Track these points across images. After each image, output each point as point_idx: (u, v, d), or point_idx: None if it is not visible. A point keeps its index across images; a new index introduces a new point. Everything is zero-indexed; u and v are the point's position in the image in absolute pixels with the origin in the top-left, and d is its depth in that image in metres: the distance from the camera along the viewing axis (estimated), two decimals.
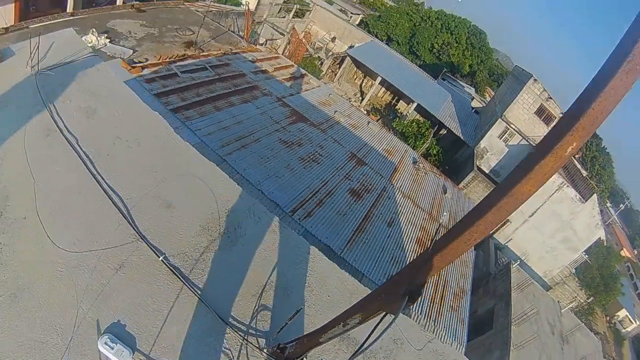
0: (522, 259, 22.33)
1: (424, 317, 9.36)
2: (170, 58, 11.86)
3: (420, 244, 12.26)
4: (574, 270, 24.77)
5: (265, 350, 3.38)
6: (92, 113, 4.26)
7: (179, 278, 3.48)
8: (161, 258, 3.53)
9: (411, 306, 2.03)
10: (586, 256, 24.16)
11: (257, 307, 3.62)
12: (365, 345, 2.02)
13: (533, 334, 14.91)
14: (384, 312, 2.13)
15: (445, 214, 14.68)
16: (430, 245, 1.95)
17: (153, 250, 3.56)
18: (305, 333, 3.07)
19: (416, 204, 13.58)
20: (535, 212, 21.94)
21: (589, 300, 25.04)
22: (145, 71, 10.65)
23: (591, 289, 25.59)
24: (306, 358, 3.34)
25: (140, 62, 11.09)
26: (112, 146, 4.13)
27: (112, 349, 3.04)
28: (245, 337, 3.39)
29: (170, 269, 3.50)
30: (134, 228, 3.64)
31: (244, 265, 3.79)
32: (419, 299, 2.00)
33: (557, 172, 1.24)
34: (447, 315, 10.27)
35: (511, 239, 23.17)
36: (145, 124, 4.50)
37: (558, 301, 19.54)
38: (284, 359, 3.15)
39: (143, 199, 3.86)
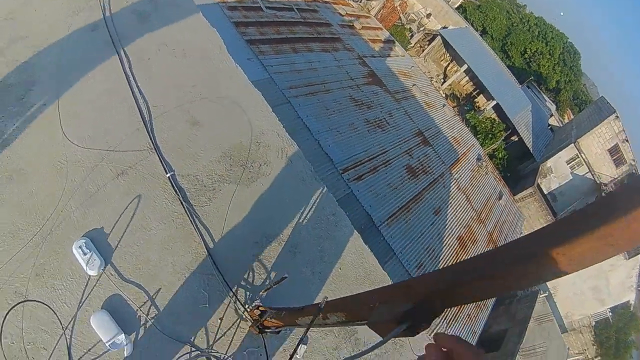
0: (551, 292, 20.74)
1: (440, 317, 8.45)
2: None
3: (460, 242, 11.18)
4: (593, 323, 22.43)
5: (246, 306, 2.74)
6: (146, 17, 3.70)
7: (180, 201, 2.84)
8: (169, 175, 2.89)
9: (409, 336, 1.19)
10: (610, 314, 21.81)
11: (255, 256, 2.93)
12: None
13: None
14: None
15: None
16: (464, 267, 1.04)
17: (162, 164, 2.93)
18: (297, 304, 2.32)
19: (469, 200, 12.36)
20: None
21: (596, 359, 22.81)
22: None
23: (602, 348, 23.06)
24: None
25: None
26: (155, 52, 3.54)
27: (85, 254, 2.55)
28: (232, 288, 2.75)
29: (174, 189, 2.85)
30: (149, 136, 3.02)
31: (256, 207, 3.09)
32: (421, 331, 1.07)
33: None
34: (463, 322, 9.38)
35: None
36: (199, 38, 3.84)
37: (568, 348, 18.11)
38: (259, 324, 2.51)
39: (170, 111, 3.23)
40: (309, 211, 3.28)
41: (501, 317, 16.46)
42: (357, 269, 3.43)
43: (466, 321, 9.65)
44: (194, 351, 2.57)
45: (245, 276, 2.84)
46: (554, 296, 20.76)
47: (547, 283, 20.61)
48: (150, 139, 3.02)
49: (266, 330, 2.54)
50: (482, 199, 13.65)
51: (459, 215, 11.39)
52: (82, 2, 3.48)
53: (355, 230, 3.56)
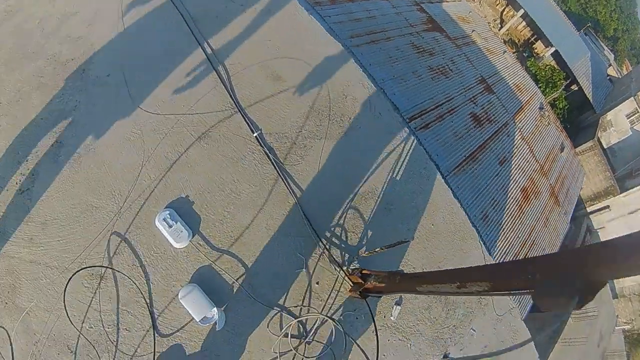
0: None
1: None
2: None
3: (524, 194, 10.52)
4: None
5: (344, 269, 2.56)
6: None
7: (271, 161, 2.65)
8: (256, 134, 2.71)
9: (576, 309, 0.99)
10: None
11: (351, 215, 2.73)
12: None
13: (584, 337, 13.20)
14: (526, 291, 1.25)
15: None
16: None
17: (248, 124, 2.74)
18: (394, 265, 2.13)
19: (532, 151, 11.53)
20: (635, 211, 18.24)
21: None
22: None
23: None
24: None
25: None
26: (223, 9, 3.28)
27: (170, 227, 2.42)
28: (327, 246, 2.57)
29: (263, 149, 2.66)
30: (230, 95, 2.82)
31: (347, 163, 2.87)
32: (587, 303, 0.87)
33: None
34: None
35: (604, 227, 19.23)
36: None
37: (617, 315, 17.05)
38: (360, 287, 2.32)
39: (248, 68, 2.99)
40: (401, 165, 3.02)
41: None
42: (448, 225, 3.18)
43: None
44: (288, 318, 2.47)
45: (342, 237, 2.67)
46: None
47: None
48: (231, 97, 2.82)
49: (368, 294, 2.37)
50: (545, 150, 12.72)
51: (522, 166, 10.70)
52: None
53: (446, 185, 3.29)
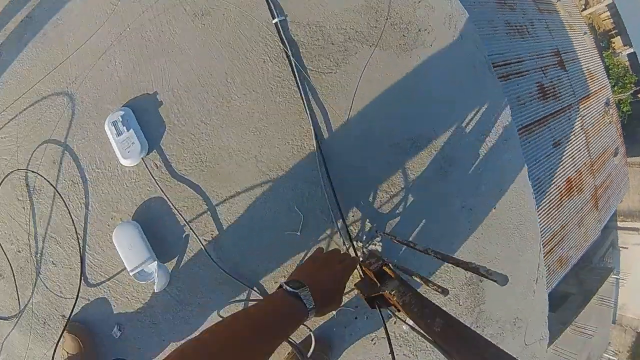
0: (621, 277, 18.00)
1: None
2: None
3: (568, 186, 9.43)
4: None
5: (360, 247, 1.66)
6: None
7: (289, 58, 1.68)
8: (277, 20, 1.71)
9: None
10: None
11: (388, 167, 1.76)
12: None
13: (574, 353, 12.72)
14: None
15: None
16: None
17: (269, 3, 1.73)
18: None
19: (587, 144, 10.24)
20: None
21: None
22: None
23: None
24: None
25: None
26: None
27: (120, 134, 1.60)
28: (341, 208, 1.66)
29: (282, 41, 1.69)
30: None
31: (403, 91, 1.81)
32: None
33: None
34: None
35: (627, 247, 18.11)
36: None
37: (609, 342, 16.19)
38: (369, 288, 1.35)
39: None
40: (475, 115, 2.01)
41: (570, 279, 14.87)
42: (512, 214, 2.21)
43: (546, 273, 8.34)
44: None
45: (370, 199, 1.74)
46: (621, 282, 18.07)
47: (622, 262, 17.99)
48: None
49: (377, 303, 1.43)
50: (600, 148, 11.40)
51: (574, 156, 9.55)
52: None
53: (524, 162, 2.28)
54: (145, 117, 1.66)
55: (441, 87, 1.87)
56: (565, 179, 9.32)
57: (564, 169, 9.12)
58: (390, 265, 1.34)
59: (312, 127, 1.64)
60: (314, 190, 1.64)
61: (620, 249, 18.67)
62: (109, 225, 1.65)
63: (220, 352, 0.64)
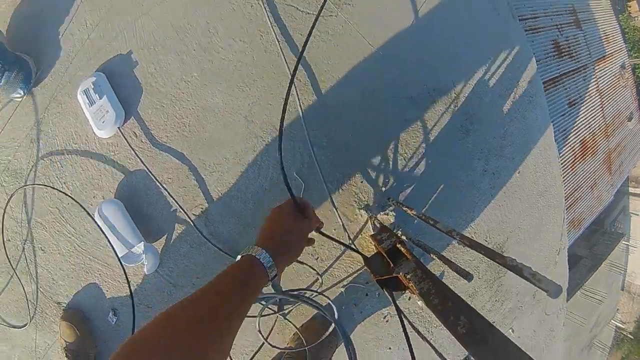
0: (632, 243, 18.09)
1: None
2: None
3: (582, 147, 9.24)
4: None
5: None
6: None
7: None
8: None
9: None
10: None
11: (404, 124, 1.56)
12: None
13: (583, 317, 13.02)
14: None
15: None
16: None
17: None
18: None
19: (602, 107, 10.00)
20: None
21: (629, 336, 19.81)
22: None
23: None
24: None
25: None
26: None
27: (93, 104, 1.45)
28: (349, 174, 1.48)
29: None
30: None
31: (419, 34, 1.56)
32: None
33: None
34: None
35: (638, 214, 18.09)
36: None
37: (617, 309, 16.39)
38: (380, 275, 1.18)
39: None
40: (499, 66, 1.80)
41: (581, 242, 14.90)
42: (538, 180, 2.03)
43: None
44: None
45: (379, 160, 1.55)
46: (632, 249, 18.18)
47: (632, 228, 18.07)
48: None
49: (387, 284, 1.24)
50: (614, 111, 11.16)
51: (588, 117, 9.37)
52: None
53: (550, 119, 2.08)
54: (120, 81, 1.47)
55: (461, 34, 1.65)
56: (579, 140, 9.15)
57: (578, 130, 8.94)
58: (405, 242, 1.16)
59: (295, 82, 1.43)
60: (316, 154, 1.45)
61: (632, 215, 18.70)
62: (91, 205, 1.49)
63: (187, 333, 0.61)
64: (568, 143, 8.35)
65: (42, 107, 1.53)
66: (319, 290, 1.49)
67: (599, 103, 10.07)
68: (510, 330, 2.13)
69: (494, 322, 1.88)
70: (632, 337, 20.58)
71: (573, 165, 9.06)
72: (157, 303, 1.52)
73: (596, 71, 9.74)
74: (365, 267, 1.40)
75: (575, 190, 9.37)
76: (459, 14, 1.64)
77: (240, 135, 1.43)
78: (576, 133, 8.62)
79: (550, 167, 2.11)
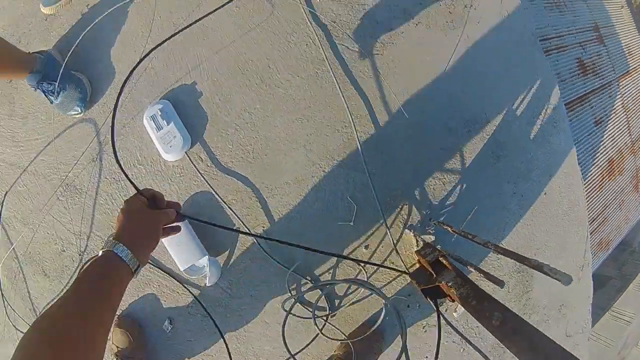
0: None
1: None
2: None
3: (610, 166, 9.16)
4: None
5: (417, 237, 1.65)
6: None
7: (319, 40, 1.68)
8: None
9: None
10: None
11: (443, 153, 1.76)
12: None
13: (610, 339, 12.55)
14: None
15: None
16: None
17: None
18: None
19: (628, 123, 9.91)
20: None
21: None
22: None
23: None
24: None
25: None
26: None
27: (160, 129, 1.63)
28: (395, 200, 1.67)
29: (315, 19, 1.68)
30: None
31: (453, 72, 1.77)
32: None
33: None
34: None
35: None
36: None
37: None
38: (425, 280, 1.36)
39: None
40: (526, 95, 1.98)
41: (609, 262, 14.60)
42: (562, 200, 2.18)
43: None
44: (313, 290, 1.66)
45: (422, 185, 1.74)
46: None
47: None
48: None
49: (431, 294, 1.39)
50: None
51: (615, 135, 9.29)
52: None
53: (573, 143, 2.24)
54: (186, 110, 1.68)
55: (490, 66, 1.84)
56: (607, 159, 9.13)
57: (605, 149, 8.94)
58: (446, 256, 1.34)
59: (350, 115, 1.63)
60: (366, 181, 1.65)
61: None
62: None
63: (56, 331, 0.68)
64: (596, 162, 8.36)
65: (105, 128, 1.72)
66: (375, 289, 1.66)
67: (625, 120, 10.02)
68: None
69: None
70: None
71: (601, 185, 9.03)
72: (213, 312, 1.70)
73: (621, 87, 9.74)
74: (410, 281, 1.57)
75: (604, 210, 9.32)
76: (488, 48, 1.83)
77: (299, 162, 1.63)
78: (603, 152, 8.63)
79: (573, 188, 2.26)
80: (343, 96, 1.65)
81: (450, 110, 1.74)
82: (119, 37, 1.75)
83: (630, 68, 10.98)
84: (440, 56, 1.75)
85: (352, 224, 1.63)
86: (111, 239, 0.90)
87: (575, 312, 2.38)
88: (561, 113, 2.16)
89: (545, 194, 2.08)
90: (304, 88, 1.66)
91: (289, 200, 1.64)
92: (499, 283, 1.06)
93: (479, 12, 1.86)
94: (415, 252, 1.48)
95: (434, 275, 1.29)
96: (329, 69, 1.66)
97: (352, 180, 1.64)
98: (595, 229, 9.41)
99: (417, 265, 1.51)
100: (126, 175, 1.12)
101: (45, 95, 1.62)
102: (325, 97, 1.66)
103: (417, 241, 1.58)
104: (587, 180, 8.23)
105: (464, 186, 1.75)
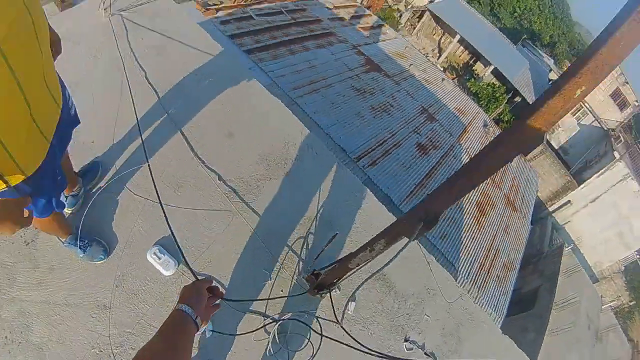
0: (576, 244, 20.66)
1: (469, 282, 9.05)
2: (245, 1, 11.66)
3: (479, 208, 11.71)
4: (623, 268, 22.25)
5: (301, 276, 3.33)
6: (162, 50, 4.14)
7: (240, 197, 3.45)
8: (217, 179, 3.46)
9: (426, 232, 1.81)
10: (638, 256, 21.35)
11: (304, 234, 3.55)
12: (382, 267, 1.97)
13: (569, 324, 14.15)
14: (405, 238, 1.99)
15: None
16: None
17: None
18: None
19: None
20: (596, 198, 20.12)
21: (630, 304, 22.57)
22: (220, 13, 10.65)
23: (636, 291, 22.96)
24: (338, 288, 3.34)
25: (214, 4, 10.99)
26: (180, 79, 4.01)
27: (160, 259, 3.06)
28: (281, 263, 3.36)
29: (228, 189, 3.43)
30: (193, 151, 3.56)
31: (296, 196, 3.71)
32: (434, 226, 1.84)
33: (567, 112, 1.24)
34: (492, 285, 9.98)
35: (569, 221, 21.26)
36: (215, 61, 4.35)
37: (601, 296, 18.07)
38: (316, 285, 3.07)
39: (207, 127, 3.79)
40: (339, 192, 3.90)
41: (531, 276, 16.72)
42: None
43: (496, 283, 10.15)
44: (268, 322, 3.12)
45: (299, 252, 3.46)
46: (579, 248, 20.74)
47: (571, 235, 21.01)
48: (194, 154, 3.57)
49: (321, 291, 3.06)
50: None
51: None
52: (102, 46, 3.87)
53: (379, 202, 4.14)
54: (170, 247, 3.09)
55: (316, 185, 3.75)
56: (474, 204, 11.49)
57: (469, 198, 11.31)
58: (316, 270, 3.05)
59: (256, 233, 3.35)
60: (274, 261, 3.30)
61: (564, 225, 21.31)
62: (166, 311, 2.93)
63: None
64: (466, 212, 10.66)
65: (123, 266, 2.98)
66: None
67: None
68: (426, 316, 3.70)
69: (408, 314, 3.60)
70: (631, 302, 22.24)
71: (479, 226, 11.31)
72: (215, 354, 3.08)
73: (463, 144, 12.79)
74: (310, 294, 3.17)
75: (493, 241, 11.51)
76: (320, 181, 3.74)
77: (234, 261, 3.24)
78: (469, 201, 11.03)
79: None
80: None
81: (301, 215, 3.54)
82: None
83: (466, 124, 14.30)
84: (287, 193, 3.60)
85: (269, 280, 3.22)
86: (179, 303, 1.27)
87: (443, 289, 3.92)
88: (364, 190, 4.07)
89: (372, 235, 3.87)
90: (226, 225, 3.35)
91: (235, 276, 3.21)
92: (334, 235, 2.74)
93: (300, 161, 3.78)
94: (305, 278, 3.14)
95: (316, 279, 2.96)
96: (234, 213, 3.39)
97: (267, 262, 3.29)
98: (494, 258, 11.46)
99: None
100: (190, 269, 2.63)
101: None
102: (237, 226, 3.36)
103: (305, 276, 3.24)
104: (465, 230, 10.34)
105: (315, 246, 3.48)
